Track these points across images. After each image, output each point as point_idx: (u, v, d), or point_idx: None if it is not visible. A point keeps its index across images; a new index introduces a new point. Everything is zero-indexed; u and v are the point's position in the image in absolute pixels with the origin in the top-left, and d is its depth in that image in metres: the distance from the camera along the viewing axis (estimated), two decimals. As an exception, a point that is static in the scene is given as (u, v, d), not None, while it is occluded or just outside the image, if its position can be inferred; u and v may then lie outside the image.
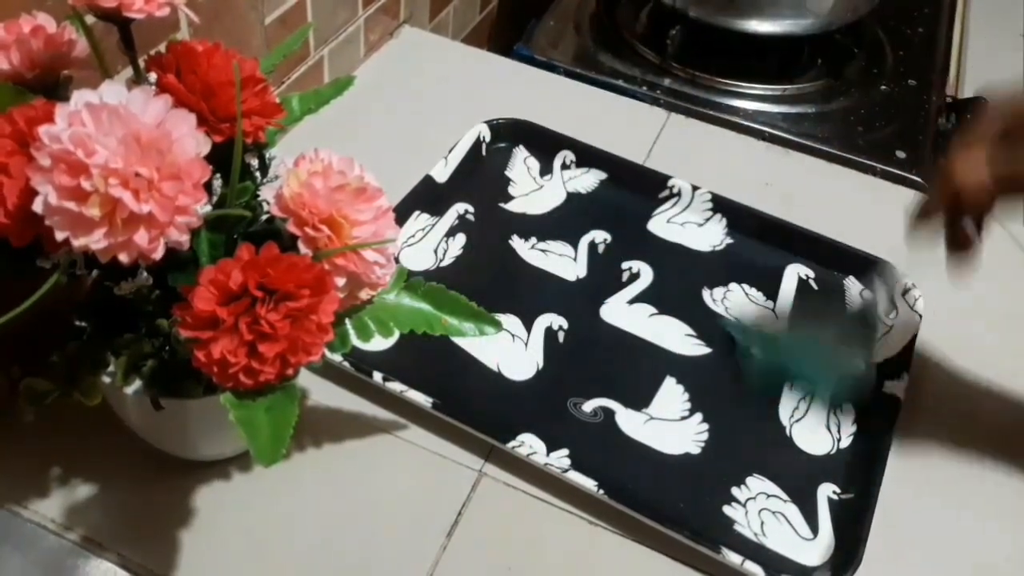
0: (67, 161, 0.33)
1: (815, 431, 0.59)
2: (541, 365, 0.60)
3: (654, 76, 0.96)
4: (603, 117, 0.82)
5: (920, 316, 0.65)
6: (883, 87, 0.98)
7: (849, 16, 0.95)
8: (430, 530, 0.52)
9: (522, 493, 0.54)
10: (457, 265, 0.67)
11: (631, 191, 0.73)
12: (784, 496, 0.55)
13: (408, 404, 0.56)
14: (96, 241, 0.34)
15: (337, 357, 0.55)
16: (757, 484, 0.55)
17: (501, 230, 0.70)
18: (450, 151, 0.72)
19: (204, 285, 0.36)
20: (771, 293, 0.67)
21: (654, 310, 0.65)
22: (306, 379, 0.57)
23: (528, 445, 0.54)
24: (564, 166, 0.76)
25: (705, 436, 0.57)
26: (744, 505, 0.54)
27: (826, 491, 0.55)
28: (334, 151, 0.42)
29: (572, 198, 0.74)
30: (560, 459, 0.54)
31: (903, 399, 0.59)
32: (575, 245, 0.69)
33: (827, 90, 0.96)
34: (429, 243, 0.68)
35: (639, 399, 0.59)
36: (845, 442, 0.58)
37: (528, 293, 0.65)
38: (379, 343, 0.48)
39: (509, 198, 0.73)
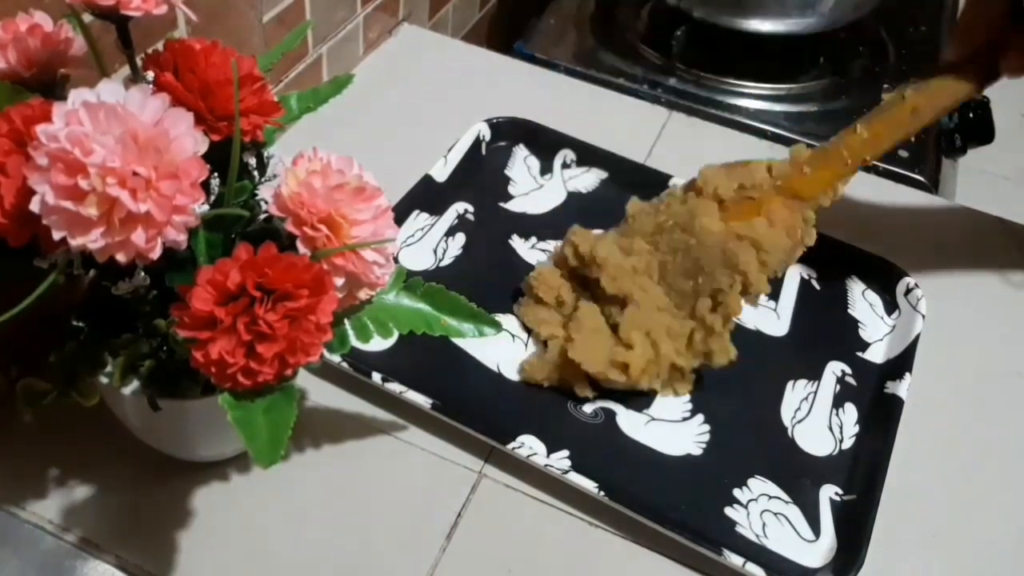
0: (64, 160, 0.33)
1: (817, 432, 0.58)
2: (541, 365, 0.60)
3: (655, 75, 0.96)
4: (604, 116, 0.82)
5: (923, 316, 0.64)
6: (885, 86, 0.97)
7: (851, 15, 0.95)
8: (429, 531, 0.51)
9: (522, 494, 0.54)
10: (457, 265, 0.67)
11: (632, 190, 0.73)
12: (786, 497, 0.55)
13: (407, 405, 0.55)
14: (93, 241, 0.34)
15: (336, 358, 0.54)
16: (758, 485, 0.55)
17: (501, 230, 0.70)
18: (449, 150, 0.72)
19: (202, 285, 0.36)
20: (773, 293, 0.67)
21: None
22: (305, 380, 0.56)
23: (528, 446, 0.54)
24: (564, 165, 0.76)
25: (706, 437, 0.57)
26: (745, 506, 0.54)
27: (828, 492, 0.55)
28: (333, 150, 0.41)
29: (572, 197, 0.73)
30: (560, 460, 0.54)
31: (905, 399, 0.59)
32: (576, 245, 0.69)
33: (829, 89, 0.96)
34: (428, 243, 0.68)
35: (640, 400, 0.59)
36: (847, 443, 0.58)
37: (528, 293, 0.65)
38: (378, 343, 0.48)
39: (509, 197, 0.73)
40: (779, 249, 0.57)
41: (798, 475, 0.56)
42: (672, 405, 0.59)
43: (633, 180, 0.73)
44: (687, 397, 0.59)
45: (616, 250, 0.60)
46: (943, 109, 0.57)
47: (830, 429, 0.59)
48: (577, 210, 0.72)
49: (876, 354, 0.64)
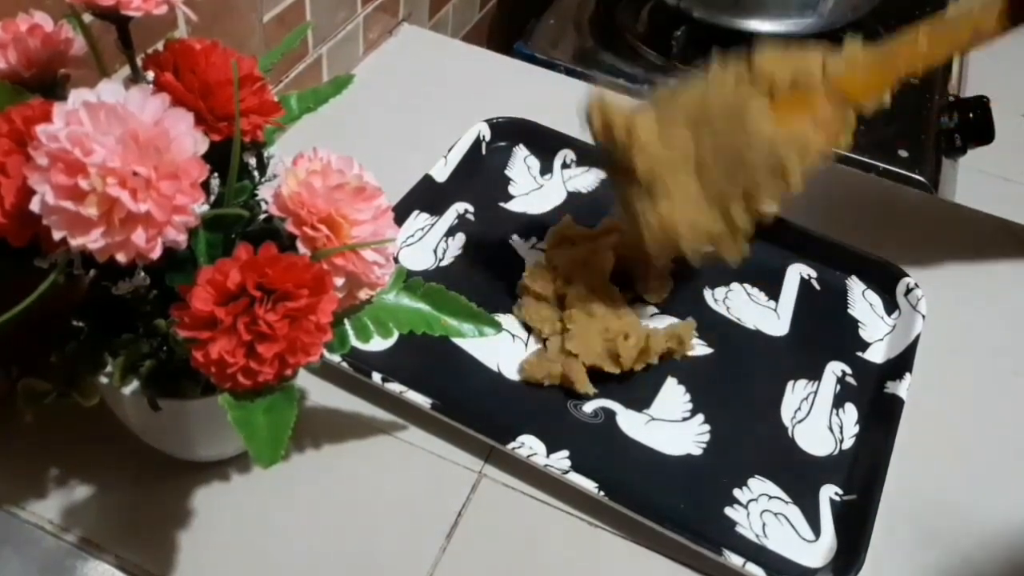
0: (65, 160, 0.33)
1: (817, 432, 0.58)
2: (541, 365, 0.60)
3: (655, 74, 0.96)
4: (604, 116, 0.82)
5: (923, 316, 0.64)
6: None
7: (850, 15, 0.95)
8: (429, 532, 0.51)
9: (522, 494, 0.54)
10: (457, 265, 0.67)
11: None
12: (786, 497, 0.55)
13: (407, 405, 0.55)
14: (94, 240, 0.34)
15: (336, 357, 0.54)
16: (759, 485, 0.55)
17: (501, 230, 0.70)
18: (450, 150, 0.72)
19: (202, 285, 0.36)
20: (773, 293, 0.67)
21: (655, 310, 0.65)
22: (305, 380, 0.56)
23: (528, 446, 0.54)
24: (564, 165, 0.76)
25: (706, 437, 0.57)
26: (746, 506, 0.54)
27: (828, 492, 0.55)
28: (333, 150, 0.41)
29: (573, 197, 0.73)
30: (560, 460, 0.54)
31: (905, 399, 0.59)
32: (576, 245, 0.69)
33: (828, 89, 0.96)
34: (428, 243, 0.68)
35: (640, 400, 0.59)
36: (847, 443, 0.58)
37: (528, 293, 0.65)
38: (378, 343, 0.48)
39: (509, 197, 0.73)
40: (820, 154, 0.56)
41: (798, 475, 0.56)
42: (672, 405, 0.59)
43: (633, 180, 0.73)
44: (687, 397, 0.59)
45: (655, 134, 0.56)
46: (1004, 31, 0.55)
47: (830, 429, 0.59)
48: (578, 210, 0.71)
49: (876, 354, 0.64)
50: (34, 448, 0.52)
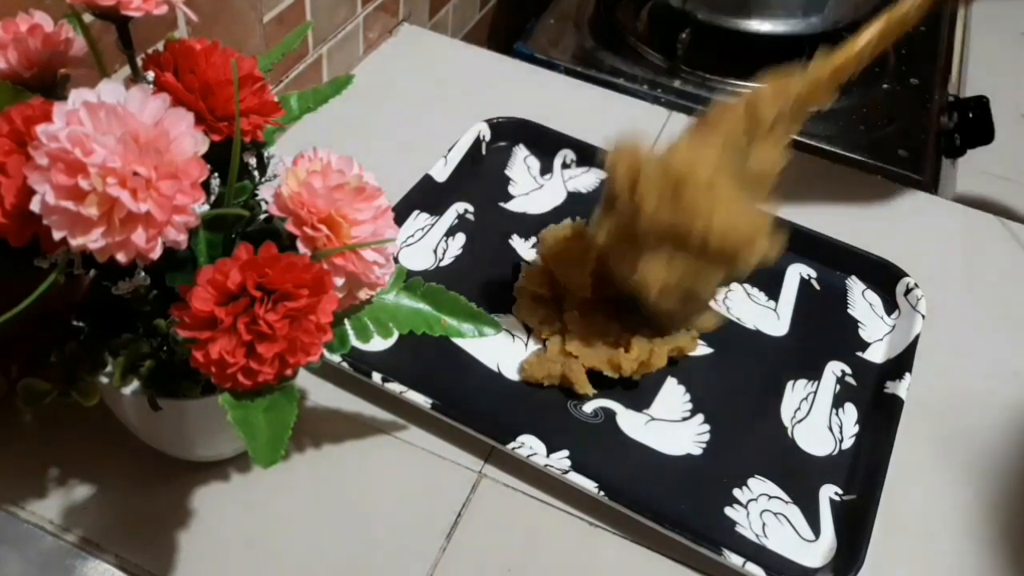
0: (65, 160, 0.33)
1: (817, 432, 0.58)
2: (541, 365, 0.60)
3: (655, 75, 0.96)
4: (604, 116, 0.82)
5: (922, 316, 0.64)
6: (885, 86, 0.97)
7: (853, 15, 0.95)
8: (429, 531, 0.51)
9: (522, 494, 0.54)
10: (457, 265, 0.67)
11: (632, 190, 0.73)
12: (786, 497, 0.55)
13: (407, 405, 0.55)
14: (94, 240, 0.34)
15: (336, 358, 0.54)
16: (758, 485, 0.55)
17: (501, 230, 0.70)
18: (450, 150, 0.72)
19: (202, 285, 0.36)
20: (773, 293, 0.67)
21: (655, 310, 0.65)
22: (305, 380, 0.56)
23: (528, 446, 0.54)
24: (564, 165, 0.76)
25: (706, 437, 0.57)
26: (745, 506, 0.54)
27: (828, 492, 0.55)
28: (333, 150, 0.41)
29: (573, 197, 0.73)
30: (560, 460, 0.54)
31: (905, 399, 0.59)
32: (576, 245, 0.69)
33: (829, 89, 0.96)
34: (428, 243, 0.68)
35: (640, 400, 0.59)
36: (847, 443, 0.58)
37: (528, 293, 0.65)
38: (378, 343, 0.48)
39: (509, 197, 0.73)
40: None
41: (798, 475, 0.56)
42: (672, 405, 0.59)
43: (633, 180, 0.73)
44: (687, 397, 0.59)
45: (663, 198, 0.55)
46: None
47: (830, 429, 0.59)
48: (578, 210, 0.71)
49: (876, 354, 0.64)
50: (34, 448, 0.52)
